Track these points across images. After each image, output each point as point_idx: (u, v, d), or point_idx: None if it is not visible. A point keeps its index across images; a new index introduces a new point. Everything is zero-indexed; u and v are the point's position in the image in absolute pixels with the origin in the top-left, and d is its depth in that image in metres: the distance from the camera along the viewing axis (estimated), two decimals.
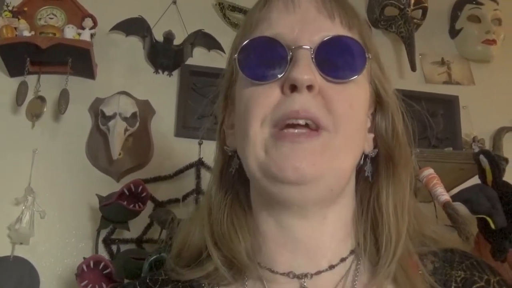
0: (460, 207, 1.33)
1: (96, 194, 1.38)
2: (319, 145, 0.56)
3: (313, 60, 0.58)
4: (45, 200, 1.47)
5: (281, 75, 0.58)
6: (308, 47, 0.58)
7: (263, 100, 0.58)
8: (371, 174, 0.64)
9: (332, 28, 0.60)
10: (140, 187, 1.34)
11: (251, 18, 0.64)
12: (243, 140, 0.60)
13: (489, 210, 1.31)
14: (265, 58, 0.59)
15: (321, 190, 0.57)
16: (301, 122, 0.56)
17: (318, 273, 0.60)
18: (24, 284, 1.40)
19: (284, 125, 0.57)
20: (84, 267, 1.21)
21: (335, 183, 0.58)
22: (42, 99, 1.52)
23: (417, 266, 0.60)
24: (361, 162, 0.63)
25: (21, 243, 1.42)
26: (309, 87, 0.57)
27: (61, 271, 1.42)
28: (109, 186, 1.49)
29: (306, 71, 0.56)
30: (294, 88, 0.57)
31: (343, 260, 0.61)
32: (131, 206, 1.32)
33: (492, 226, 1.31)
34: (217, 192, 0.67)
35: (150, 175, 1.55)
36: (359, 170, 0.64)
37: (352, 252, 0.62)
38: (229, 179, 0.67)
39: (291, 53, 0.58)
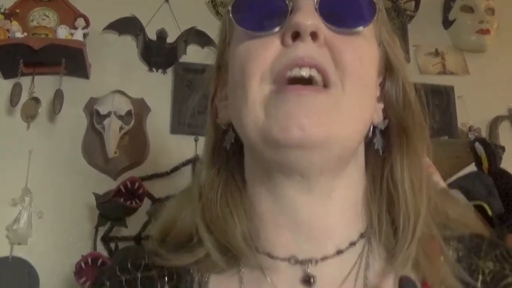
0: (457, 195, 1.33)
1: (93, 193, 1.39)
2: (327, 102, 0.50)
3: (317, 10, 0.51)
4: (42, 200, 1.47)
5: (281, 25, 0.52)
6: None
7: (262, 53, 0.52)
8: (382, 147, 0.57)
9: None
10: (137, 184, 1.34)
11: None
12: (240, 102, 0.53)
13: (485, 197, 1.31)
14: (263, 10, 0.53)
15: (327, 156, 0.50)
16: (305, 73, 0.50)
17: (324, 259, 0.53)
18: (24, 284, 1.40)
19: (286, 79, 0.50)
20: (82, 264, 1.22)
21: (342, 150, 0.51)
22: (36, 100, 1.53)
23: (441, 251, 0.53)
24: (370, 134, 0.57)
25: (19, 244, 1.42)
26: (313, 35, 0.50)
27: (61, 270, 1.42)
28: (106, 184, 1.49)
29: (309, 16, 0.50)
30: (296, 35, 0.51)
31: (352, 244, 0.54)
32: (128, 203, 1.33)
33: (489, 212, 1.31)
34: (209, 171, 0.60)
35: (146, 172, 1.55)
36: (369, 144, 0.58)
37: (362, 235, 0.55)
38: (223, 157, 0.60)
39: (291, 4, 0.52)
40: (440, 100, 1.83)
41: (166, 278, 0.58)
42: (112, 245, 1.47)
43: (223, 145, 0.60)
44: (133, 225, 1.47)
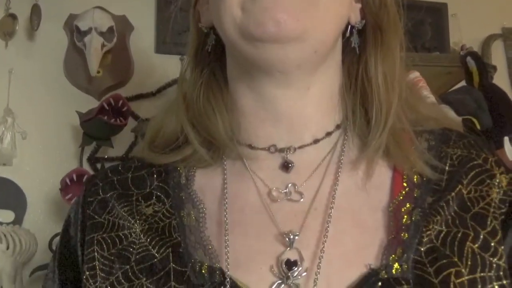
0: (447, 109, 1.32)
1: (76, 111, 1.36)
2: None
3: None
4: (25, 121, 1.44)
5: None
6: None
7: None
8: (358, 46, 0.60)
9: None
10: (121, 101, 1.31)
11: None
12: (219, 3, 0.55)
13: (474, 111, 1.30)
14: None
15: (304, 50, 0.53)
16: None
17: (302, 147, 0.58)
18: (11, 204, 1.39)
19: None
20: (68, 181, 1.21)
21: (319, 44, 0.53)
22: (13, 16, 1.46)
23: (411, 142, 0.58)
24: (348, 34, 0.60)
25: (4, 164, 1.41)
26: None
27: (48, 190, 1.42)
28: (90, 105, 1.45)
29: None
30: None
31: (328, 134, 0.59)
32: (112, 120, 1.30)
33: (478, 127, 1.30)
34: (192, 72, 0.64)
35: (131, 93, 1.51)
36: (346, 43, 0.61)
37: (338, 126, 0.60)
38: (205, 59, 0.64)
39: None
40: (433, 18, 1.78)
41: (155, 175, 0.62)
42: (99, 166, 1.46)
43: (205, 49, 0.63)
44: (120, 145, 1.46)
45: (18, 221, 1.39)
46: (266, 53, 0.52)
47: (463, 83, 1.47)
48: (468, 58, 1.37)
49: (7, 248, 1.27)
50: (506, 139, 1.32)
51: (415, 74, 1.33)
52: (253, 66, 0.55)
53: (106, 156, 1.46)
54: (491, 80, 1.48)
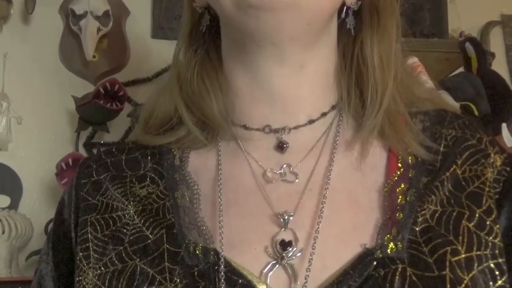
0: (445, 95, 1.31)
1: (72, 96, 1.35)
2: None
3: None
4: (20, 106, 1.44)
5: None
6: None
7: None
8: (353, 27, 0.59)
9: None
10: (117, 86, 1.30)
11: None
12: None
13: (473, 97, 1.29)
14: None
15: (297, 21, 0.52)
16: None
17: (297, 127, 0.58)
18: (6, 189, 1.39)
19: None
20: (63, 165, 1.20)
21: (312, 17, 0.53)
22: (8, 0, 1.45)
23: (406, 123, 0.58)
24: (343, 15, 0.59)
25: None
26: None
27: (43, 175, 1.42)
28: (86, 89, 1.45)
29: None
30: None
31: (324, 115, 0.59)
32: (108, 105, 1.29)
33: (476, 113, 1.30)
34: (186, 52, 0.63)
35: (128, 78, 1.51)
36: (341, 24, 0.60)
37: (333, 107, 0.59)
38: (199, 39, 0.63)
39: None
40: (432, 4, 1.77)
41: (149, 157, 0.62)
42: (95, 151, 1.45)
43: (199, 29, 0.62)
44: (116, 131, 1.45)
45: (13, 206, 1.39)
46: (260, 23, 0.51)
47: (461, 69, 1.47)
48: (467, 44, 1.37)
49: (3, 232, 1.27)
50: (504, 125, 1.32)
51: (413, 60, 1.32)
52: (247, 38, 0.54)
53: (102, 141, 1.45)
54: (489, 67, 1.48)
